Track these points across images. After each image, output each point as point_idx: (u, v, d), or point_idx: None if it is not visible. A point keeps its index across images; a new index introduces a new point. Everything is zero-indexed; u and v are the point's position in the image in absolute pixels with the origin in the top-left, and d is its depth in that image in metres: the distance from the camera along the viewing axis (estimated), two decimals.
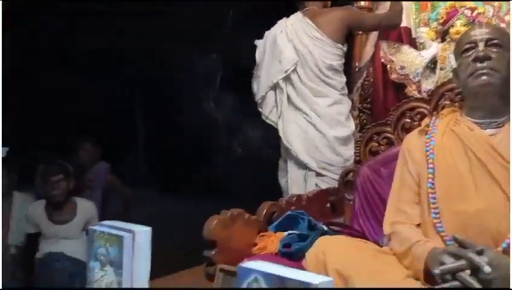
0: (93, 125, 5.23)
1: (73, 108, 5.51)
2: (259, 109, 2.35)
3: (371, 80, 2.46)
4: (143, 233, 1.31)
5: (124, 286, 1.27)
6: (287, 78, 2.21)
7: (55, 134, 5.18)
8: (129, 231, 1.30)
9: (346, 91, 2.30)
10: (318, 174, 2.24)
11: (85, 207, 3.20)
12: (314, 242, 1.50)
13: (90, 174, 3.78)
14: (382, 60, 2.35)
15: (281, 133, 2.27)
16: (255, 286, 0.97)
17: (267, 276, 0.95)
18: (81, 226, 3.15)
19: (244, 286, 0.98)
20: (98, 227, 1.35)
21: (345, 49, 2.30)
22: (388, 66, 2.33)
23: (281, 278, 0.93)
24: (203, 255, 1.42)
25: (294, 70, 2.19)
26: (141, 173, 6.73)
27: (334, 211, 2.06)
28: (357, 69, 2.52)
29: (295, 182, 2.27)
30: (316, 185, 2.21)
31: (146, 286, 1.33)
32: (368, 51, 2.44)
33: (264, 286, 0.95)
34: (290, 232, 1.58)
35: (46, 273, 3.01)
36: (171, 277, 1.75)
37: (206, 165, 6.03)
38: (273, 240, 1.53)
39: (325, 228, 1.66)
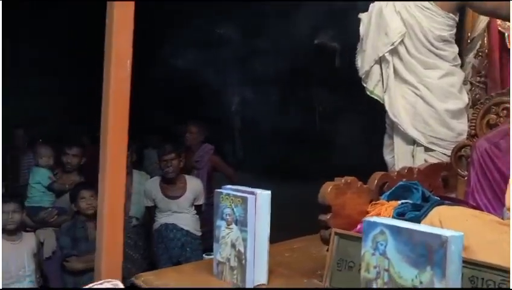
0: (199, 109, 5.55)
1: (180, 93, 5.88)
2: (363, 84, 2.33)
3: (485, 50, 2.32)
4: (264, 195, 1.41)
5: (248, 242, 1.38)
6: (394, 51, 2.16)
7: (164, 118, 5.60)
8: (252, 193, 1.41)
9: (458, 62, 2.19)
10: (427, 150, 2.17)
11: (194, 184, 3.46)
12: (428, 212, 1.49)
13: (196, 155, 4.05)
14: (499, 28, 2.21)
15: (387, 108, 2.24)
16: (380, 239, 1.00)
17: (394, 229, 0.98)
18: (190, 201, 3.40)
19: (370, 239, 1.02)
20: (224, 190, 1.48)
21: (456, 19, 2.19)
22: (506, 34, 2.18)
23: (409, 231, 0.95)
24: (318, 219, 1.48)
25: (402, 42, 2.14)
26: (244, 156, 6.97)
27: (446, 186, 2.00)
28: (469, 40, 2.38)
29: (402, 158, 2.22)
30: (425, 160, 2.15)
31: (267, 243, 1.42)
32: (482, 19, 2.29)
33: (390, 238, 0.97)
34: (403, 201, 1.58)
35: (161, 242, 3.32)
36: (287, 242, 1.84)
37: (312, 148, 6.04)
38: (387, 208, 1.54)
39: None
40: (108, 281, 1.40)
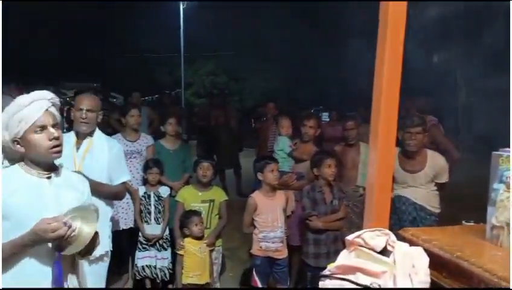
0: None
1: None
2: None
3: None
4: None
5: None
6: None
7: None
8: None
9: None
10: None
11: (435, 161, 3.31)
12: None
13: None
14: None
15: None
16: None
17: None
18: (428, 177, 3.30)
19: None
20: (503, 152, 1.43)
21: None
22: None
23: None
24: None
25: None
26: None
27: None
28: None
29: None
30: None
31: None
32: None
33: None
34: None
35: (394, 213, 3.35)
36: None
37: None
38: None
39: None
40: (379, 230, 1.53)
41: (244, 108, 18.04)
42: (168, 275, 3.79)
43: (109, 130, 5.33)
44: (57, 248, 1.68)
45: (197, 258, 3.36)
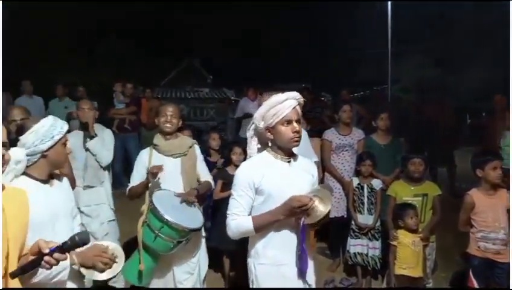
0: None
1: None
2: None
3: None
4: None
5: None
6: None
7: None
8: None
9: None
10: None
11: None
12: None
13: None
14: None
15: None
16: None
17: None
18: None
19: None
20: None
21: None
22: None
23: None
24: None
25: None
26: None
27: None
28: None
29: None
30: None
31: None
32: None
33: None
34: None
35: None
36: None
37: None
38: None
39: None
40: None
41: (459, 102, 16.53)
42: (379, 264, 3.93)
43: (321, 125, 5.76)
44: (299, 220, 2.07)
45: (410, 251, 3.41)
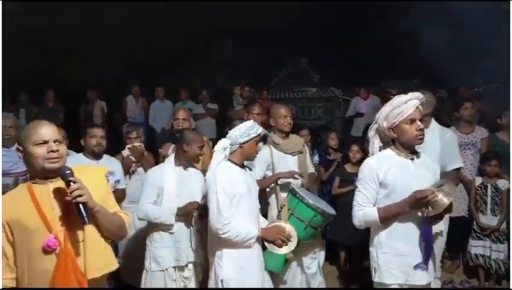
0: None
1: None
2: None
3: None
4: None
5: None
6: None
7: None
8: None
9: None
10: None
11: None
12: None
13: None
14: None
15: None
16: None
17: None
18: None
19: None
20: None
21: None
22: None
23: None
24: None
25: None
26: None
27: None
28: None
29: None
30: None
31: None
32: None
33: None
34: None
35: None
36: None
37: None
38: None
39: None
40: None
41: None
42: (503, 269, 3.77)
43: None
44: (423, 212, 2.20)
45: None
